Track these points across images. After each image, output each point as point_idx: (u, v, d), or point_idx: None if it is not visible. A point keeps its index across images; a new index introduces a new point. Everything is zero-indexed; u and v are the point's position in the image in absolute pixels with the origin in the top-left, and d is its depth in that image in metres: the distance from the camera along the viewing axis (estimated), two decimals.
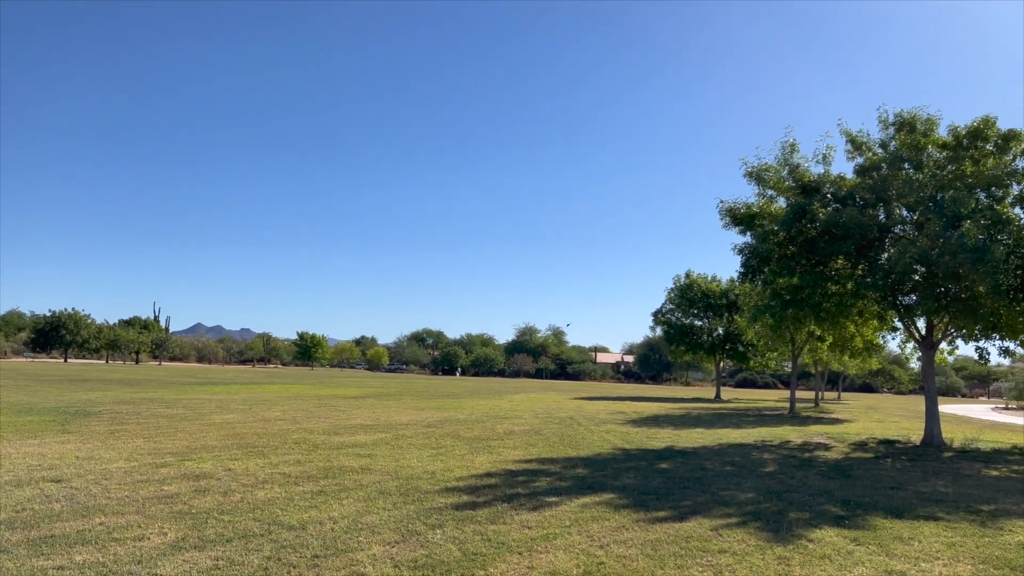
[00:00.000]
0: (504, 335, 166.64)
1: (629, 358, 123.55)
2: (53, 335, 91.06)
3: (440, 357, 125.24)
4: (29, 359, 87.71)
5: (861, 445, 17.74)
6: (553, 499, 8.92)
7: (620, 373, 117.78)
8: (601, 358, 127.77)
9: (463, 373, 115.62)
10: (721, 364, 53.41)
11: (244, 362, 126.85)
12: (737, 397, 54.00)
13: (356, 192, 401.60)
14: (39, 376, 40.33)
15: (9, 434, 13.24)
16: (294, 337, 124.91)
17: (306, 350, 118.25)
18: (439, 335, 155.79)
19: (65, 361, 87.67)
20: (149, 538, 6.40)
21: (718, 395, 49.96)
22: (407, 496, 8.74)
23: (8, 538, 6.19)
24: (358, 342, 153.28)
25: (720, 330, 48.84)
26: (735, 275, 23.25)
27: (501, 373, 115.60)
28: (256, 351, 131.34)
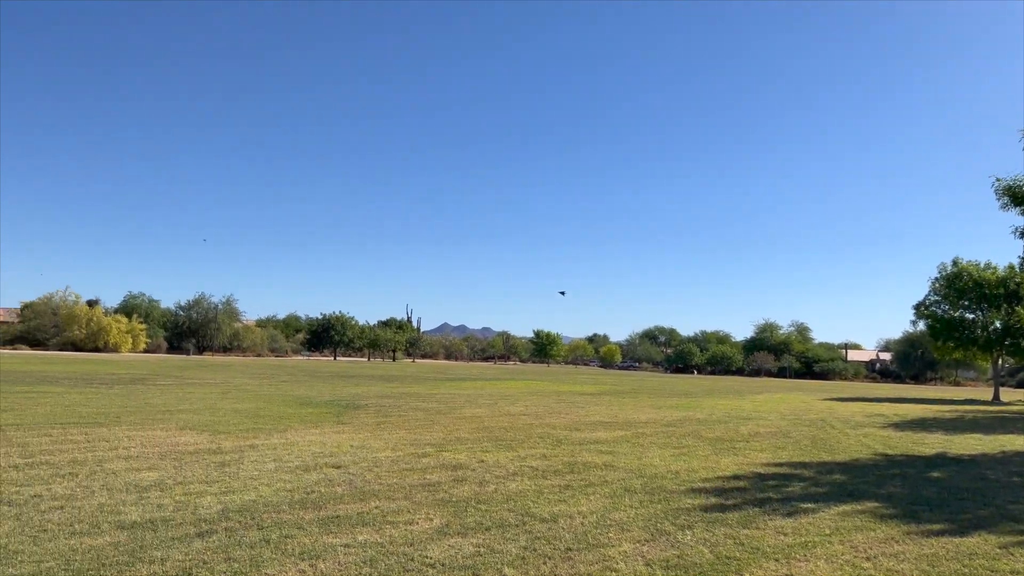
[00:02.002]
0: (741, 332, 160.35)
1: (885, 355, 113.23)
2: (324, 335, 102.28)
3: (674, 355, 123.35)
4: (306, 357, 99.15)
5: None
6: (809, 505, 8.42)
7: (875, 372, 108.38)
8: (852, 356, 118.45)
9: (699, 371, 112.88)
10: (1000, 362, 47.23)
11: (486, 359, 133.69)
12: (1021, 399, 47.45)
13: (589, 193, 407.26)
14: (315, 372, 45.40)
15: (296, 424, 15.04)
16: (530, 335, 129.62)
17: (542, 347, 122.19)
18: (672, 332, 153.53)
19: (334, 359, 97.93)
20: (417, 522, 6.96)
21: (996, 396, 44.16)
22: (653, 495, 8.71)
23: (302, 517, 7.04)
24: (591, 339, 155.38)
25: (997, 323, 43.18)
26: (1016, 261, 20.45)
27: (739, 372, 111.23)
28: (497, 349, 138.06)
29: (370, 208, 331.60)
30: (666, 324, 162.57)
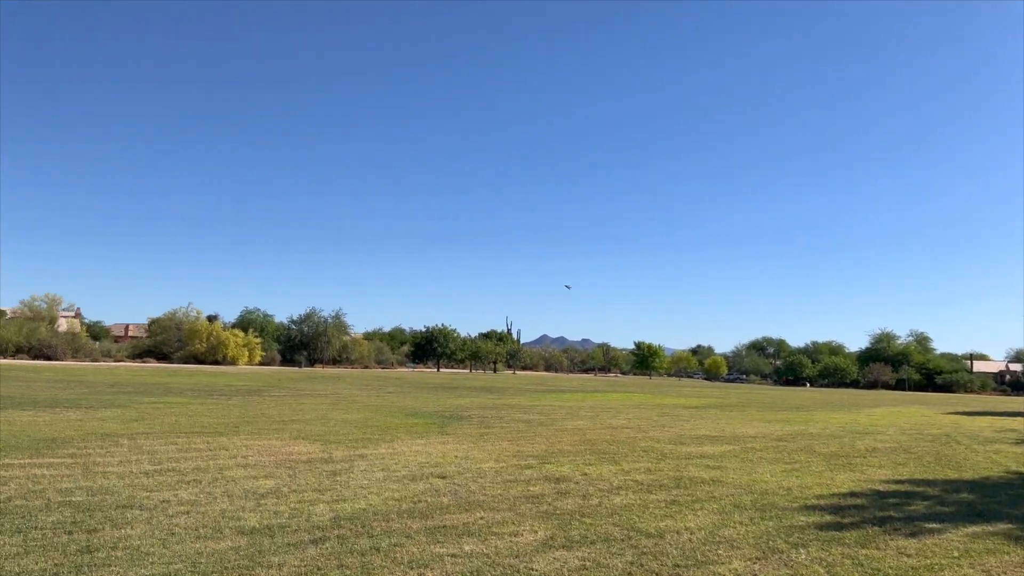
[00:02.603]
0: (855, 342, 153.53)
1: (1016, 366, 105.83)
2: (427, 347, 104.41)
3: (783, 367, 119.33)
4: (410, 368, 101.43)
5: None
6: (934, 525, 7.94)
7: (1004, 384, 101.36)
8: (978, 367, 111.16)
9: (811, 384, 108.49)
10: None
11: (586, 371, 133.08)
12: None
13: (690, 202, 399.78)
14: (419, 384, 46.38)
15: (402, 435, 15.39)
16: (631, 347, 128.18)
17: (643, 359, 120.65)
18: (780, 343, 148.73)
19: (438, 370, 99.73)
20: (522, 534, 6.97)
21: None
22: (764, 512, 8.42)
23: (410, 526, 7.18)
24: (694, 351, 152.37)
25: None
26: None
27: (854, 384, 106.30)
28: (597, 360, 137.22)
29: (471, 222, 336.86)
30: (774, 335, 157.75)
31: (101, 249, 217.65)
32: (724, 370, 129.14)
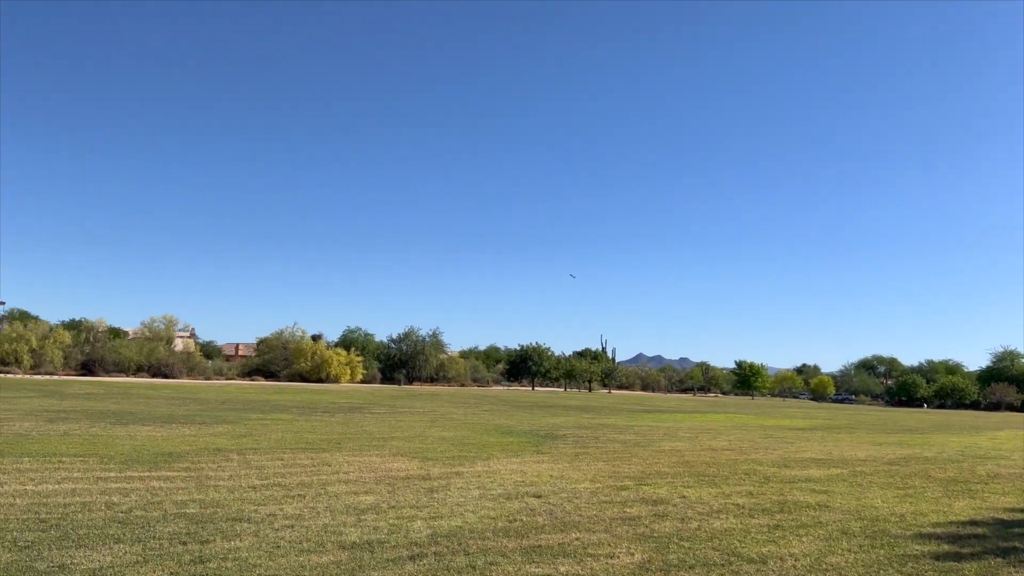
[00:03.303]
0: (974, 361, 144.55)
1: None
2: (522, 365, 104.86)
3: (895, 387, 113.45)
4: (505, 387, 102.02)
5: None
6: None
7: None
8: None
9: (927, 404, 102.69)
10: None
11: (684, 391, 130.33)
12: None
13: (795, 208, 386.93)
14: (514, 402, 46.57)
15: (498, 453, 15.47)
16: (732, 366, 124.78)
17: (745, 379, 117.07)
18: (892, 362, 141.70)
19: (532, 389, 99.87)
20: (618, 556, 6.87)
21: None
22: (874, 539, 8.01)
23: (506, 545, 7.20)
24: (799, 370, 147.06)
25: None
26: None
27: (974, 406, 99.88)
28: (695, 380, 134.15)
29: (564, 240, 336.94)
30: (885, 353, 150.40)
31: (213, 271, 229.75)
32: (831, 390, 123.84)
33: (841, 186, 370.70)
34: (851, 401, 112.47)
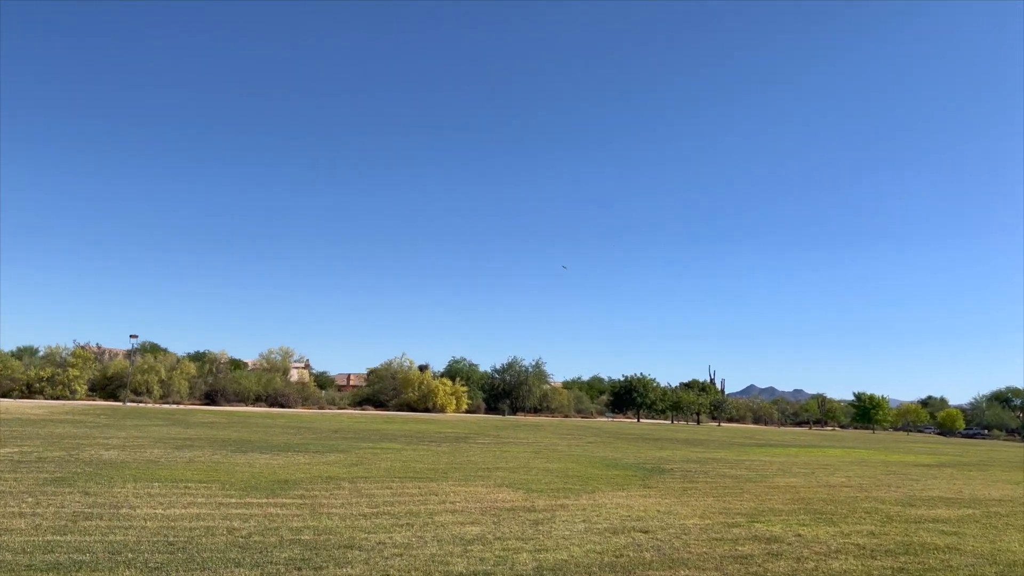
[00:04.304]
0: None
1: None
2: (626, 397, 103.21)
3: None
4: (609, 418, 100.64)
5: None
6: None
7: None
8: None
9: None
10: None
11: (799, 424, 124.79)
12: None
13: (912, 241, 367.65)
14: (619, 434, 45.87)
15: (603, 486, 15.28)
16: (850, 398, 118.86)
17: (864, 412, 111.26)
18: None
19: (637, 420, 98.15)
20: None
21: None
22: None
23: None
24: (924, 403, 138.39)
25: None
26: None
27: None
28: (811, 412, 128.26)
29: (670, 268, 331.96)
30: (1021, 384, 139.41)
31: (327, 305, 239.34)
32: (961, 424, 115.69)
33: (974, 210, 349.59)
34: (983, 436, 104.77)
